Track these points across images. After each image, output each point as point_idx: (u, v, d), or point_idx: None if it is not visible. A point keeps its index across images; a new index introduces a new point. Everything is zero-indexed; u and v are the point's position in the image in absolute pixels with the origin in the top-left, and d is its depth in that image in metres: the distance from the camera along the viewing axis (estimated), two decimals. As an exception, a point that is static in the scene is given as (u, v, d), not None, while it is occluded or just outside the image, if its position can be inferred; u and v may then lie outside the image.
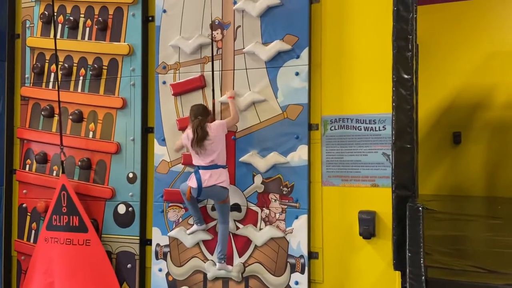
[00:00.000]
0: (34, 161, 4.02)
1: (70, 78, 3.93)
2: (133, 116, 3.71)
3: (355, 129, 3.21)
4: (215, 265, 3.32)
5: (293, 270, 3.23)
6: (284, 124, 3.29)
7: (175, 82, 3.58)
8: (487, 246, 2.83)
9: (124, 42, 3.75)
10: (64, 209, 3.67)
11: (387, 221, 3.02)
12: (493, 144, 5.08)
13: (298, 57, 3.26)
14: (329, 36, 3.27)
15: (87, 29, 3.90)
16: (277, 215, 3.30)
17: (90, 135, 3.83)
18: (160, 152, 3.60)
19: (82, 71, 3.90)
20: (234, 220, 3.39)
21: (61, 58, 3.95)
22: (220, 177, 3.17)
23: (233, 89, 3.41)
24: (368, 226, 3.03)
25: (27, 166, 4.08)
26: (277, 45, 3.29)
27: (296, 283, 3.21)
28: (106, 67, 3.81)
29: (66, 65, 3.92)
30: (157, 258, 3.57)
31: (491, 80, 5.09)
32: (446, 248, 2.70)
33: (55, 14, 3.95)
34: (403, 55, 2.65)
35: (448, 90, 5.22)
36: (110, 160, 3.76)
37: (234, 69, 3.45)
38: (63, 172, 3.73)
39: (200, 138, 3.11)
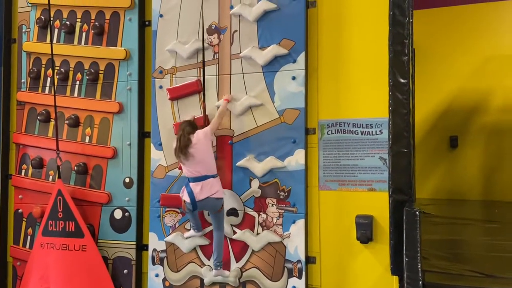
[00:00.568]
0: (30, 166, 4.00)
1: (66, 83, 3.92)
2: (130, 121, 3.70)
3: (352, 133, 3.21)
4: (212, 270, 3.31)
5: (290, 275, 3.21)
6: (281, 128, 3.29)
7: (171, 87, 3.57)
8: (484, 250, 2.83)
9: (121, 46, 3.74)
10: (60, 215, 3.65)
11: (384, 225, 3.02)
12: (490, 148, 5.09)
13: (294, 61, 3.26)
14: (326, 40, 3.27)
15: (84, 33, 3.89)
16: (274, 220, 3.29)
17: (87, 140, 3.82)
18: (156, 157, 3.59)
19: (79, 75, 3.89)
20: (231, 225, 3.38)
21: (57, 62, 3.94)
22: (212, 188, 3.12)
23: (230, 93, 3.41)
24: (365, 231, 3.02)
25: (23, 171, 4.06)
26: (273, 50, 3.29)
27: (294, 288, 3.20)
28: (102, 72, 3.81)
29: (62, 69, 3.91)
30: (153, 264, 3.55)
31: (487, 84, 5.10)
32: (443, 253, 2.69)
33: (52, 18, 3.94)
34: (399, 59, 2.66)
35: (444, 94, 5.24)
36: (107, 165, 3.74)
37: (231, 74, 3.45)
38: (59, 177, 3.71)
39: (182, 146, 3.11)
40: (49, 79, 3.99)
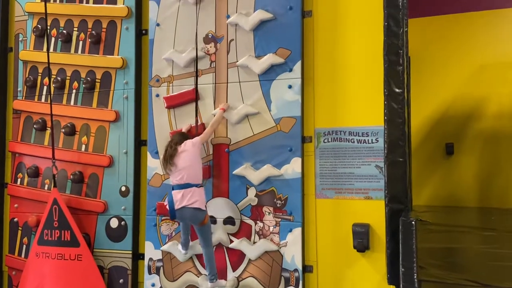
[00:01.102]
0: (26, 174, 3.99)
1: (63, 91, 3.92)
2: (126, 129, 3.70)
3: (348, 142, 3.22)
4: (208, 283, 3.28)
5: (287, 284, 3.20)
6: (278, 136, 3.30)
7: (168, 95, 3.58)
8: (481, 258, 2.82)
9: (118, 55, 3.75)
10: (56, 224, 3.63)
11: (381, 234, 3.02)
12: (486, 155, 5.10)
13: (291, 70, 3.28)
14: (322, 50, 3.29)
15: (80, 42, 3.90)
16: (271, 228, 3.29)
17: (83, 148, 3.81)
18: (153, 165, 3.58)
19: (75, 84, 3.89)
20: (228, 234, 3.37)
21: (54, 71, 3.94)
22: (191, 198, 3.03)
23: (227, 102, 3.42)
24: (362, 239, 3.02)
25: (19, 180, 4.04)
26: (270, 59, 3.30)
27: (291, 297, 3.19)
28: (99, 80, 3.81)
29: (59, 78, 3.91)
30: (149, 273, 3.53)
31: (482, 91, 5.13)
32: (440, 261, 2.68)
33: (49, 27, 3.95)
34: (394, 69, 2.67)
35: (440, 101, 5.26)
36: (103, 174, 3.73)
37: (227, 82, 3.46)
38: (55, 186, 3.69)
39: (168, 156, 3.11)
40: (45, 87, 4.00)
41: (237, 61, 3.40)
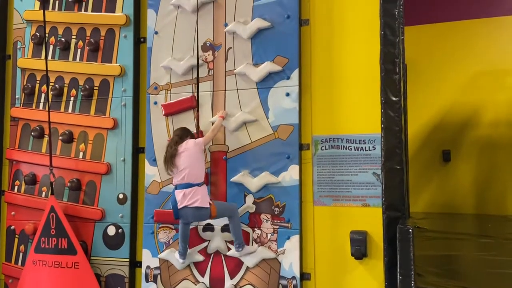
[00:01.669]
0: (23, 182, 3.97)
1: (60, 99, 3.93)
2: (124, 137, 3.70)
3: (346, 149, 3.23)
4: None
5: (285, 291, 3.20)
6: (275, 144, 3.31)
7: (166, 103, 3.59)
8: (478, 266, 2.84)
9: (116, 63, 3.76)
10: (53, 231, 3.62)
11: (378, 241, 3.02)
12: (482, 161, 5.14)
13: (288, 78, 3.30)
14: (319, 58, 3.32)
15: (79, 50, 3.91)
16: (269, 236, 3.28)
17: (80, 156, 3.81)
18: (151, 173, 3.58)
19: (73, 91, 3.90)
20: (226, 241, 3.36)
21: (52, 79, 3.95)
22: (192, 197, 3.04)
23: (225, 109, 3.43)
24: (360, 247, 3.02)
25: (16, 187, 4.03)
26: (267, 66, 3.33)
27: (288, 305, 3.18)
28: (97, 88, 3.82)
29: (57, 85, 3.92)
30: (147, 281, 3.51)
31: (478, 99, 5.18)
32: (437, 269, 2.70)
33: (47, 35, 3.96)
34: (391, 78, 2.70)
35: (436, 109, 5.31)
36: (100, 181, 3.73)
37: (225, 90, 3.47)
38: (52, 193, 3.68)
39: (169, 156, 3.10)
40: (43, 95, 4.00)
41: (235, 69, 3.42)
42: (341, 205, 3.21)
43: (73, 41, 3.94)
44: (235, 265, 3.32)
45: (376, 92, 3.00)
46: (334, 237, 3.20)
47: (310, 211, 3.27)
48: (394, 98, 2.70)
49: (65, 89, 3.92)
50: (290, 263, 3.20)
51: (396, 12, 2.79)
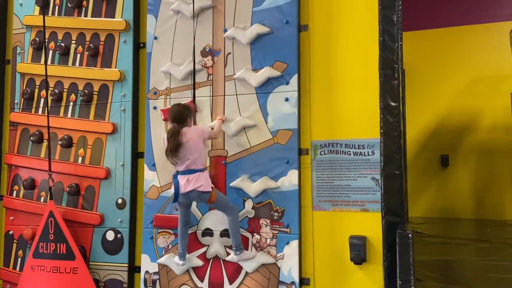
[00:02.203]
0: (22, 187, 3.97)
1: (60, 104, 3.93)
2: (123, 141, 3.70)
3: (345, 154, 3.24)
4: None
5: (284, 297, 3.19)
6: (275, 149, 3.31)
7: (165, 108, 3.59)
8: (477, 271, 2.83)
9: (115, 68, 3.77)
10: (52, 236, 3.61)
11: (378, 246, 3.02)
12: (481, 166, 5.14)
13: (287, 83, 3.31)
14: (318, 63, 3.33)
15: (78, 55, 3.92)
16: (268, 241, 3.28)
17: (79, 161, 3.81)
18: (150, 177, 3.58)
19: (73, 96, 3.90)
20: (225, 246, 3.36)
21: (51, 83, 3.95)
22: (197, 182, 3.07)
23: (224, 114, 3.44)
24: (359, 252, 3.02)
25: (15, 192, 4.02)
26: (266, 72, 3.34)
27: (288, 310, 3.17)
28: (96, 93, 3.82)
29: (56, 90, 3.92)
30: (146, 286, 3.50)
31: (476, 104, 5.20)
32: (437, 274, 2.69)
33: (46, 40, 3.97)
34: (390, 83, 2.71)
35: (435, 114, 5.32)
36: (99, 186, 3.72)
37: (224, 95, 3.48)
38: (51, 198, 3.67)
39: (173, 148, 3.06)
40: (42, 100, 4.00)
41: (234, 74, 3.44)
42: (340, 210, 3.22)
43: (72, 46, 3.95)
44: (234, 270, 3.31)
45: (375, 97, 3.02)
46: (333, 242, 3.20)
47: (309, 216, 3.27)
48: (393, 104, 2.72)
49: (65, 94, 3.93)
50: (289, 268, 3.20)
51: (395, 18, 2.82)
